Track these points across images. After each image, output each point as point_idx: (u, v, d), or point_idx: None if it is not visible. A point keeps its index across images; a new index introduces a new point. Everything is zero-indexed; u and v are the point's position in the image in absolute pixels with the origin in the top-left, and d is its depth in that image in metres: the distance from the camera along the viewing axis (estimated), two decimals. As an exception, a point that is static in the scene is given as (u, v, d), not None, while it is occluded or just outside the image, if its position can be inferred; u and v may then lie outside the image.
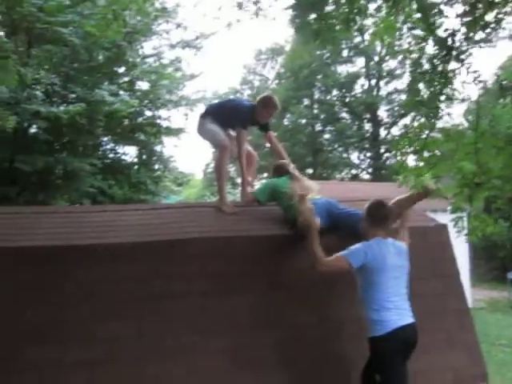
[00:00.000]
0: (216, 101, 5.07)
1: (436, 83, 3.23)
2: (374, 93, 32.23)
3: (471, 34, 3.23)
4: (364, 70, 32.66)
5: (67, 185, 12.00)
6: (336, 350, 3.78)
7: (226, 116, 4.85)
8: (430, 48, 3.84)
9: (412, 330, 3.39)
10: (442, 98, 3.34)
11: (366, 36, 29.82)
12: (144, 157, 14.30)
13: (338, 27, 4.81)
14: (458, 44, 3.29)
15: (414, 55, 3.57)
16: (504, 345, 9.76)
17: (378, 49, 31.66)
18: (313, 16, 4.79)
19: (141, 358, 3.43)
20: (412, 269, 3.66)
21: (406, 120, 31.40)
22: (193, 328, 3.59)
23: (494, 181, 3.22)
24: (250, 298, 3.78)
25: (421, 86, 3.62)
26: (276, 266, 3.91)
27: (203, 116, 4.98)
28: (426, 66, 3.54)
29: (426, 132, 3.73)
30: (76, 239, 3.78)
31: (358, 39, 30.83)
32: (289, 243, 3.98)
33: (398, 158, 3.48)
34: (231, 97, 28.18)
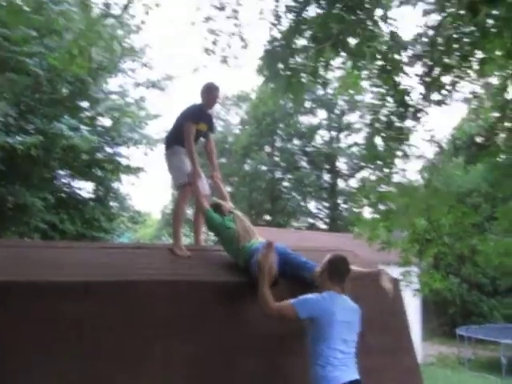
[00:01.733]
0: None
1: (392, 139, 3.30)
2: (334, 144, 32.96)
3: (428, 94, 3.34)
4: (325, 121, 33.46)
5: (18, 218, 11.61)
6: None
7: (180, 128, 4.74)
8: (389, 105, 3.94)
9: None
10: (399, 153, 3.42)
11: (329, 89, 30.80)
12: (100, 193, 14.02)
13: (304, 79, 4.92)
14: (415, 103, 3.39)
15: (373, 111, 3.65)
16: (451, 402, 9.76)
17: (340, 102, 32.61)
18: (281, 66, 4.88)
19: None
20: (363, 322, 3.62)
21: (364, 173, 32.20)
22: (134, 375, 3.43)
23: (444, 238, 3.27)
24: (196, 345, 3.65)
25: (379, 140, 3.70)
26: (225, 313, 3.81)
27: (167, 146, 4.90)
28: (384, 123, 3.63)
29: (382, 186, 3.80)
30: (17, 275, 3.60)
31: (320, 92, 31.72)
32: (240, 291, 3.90)
33: (355, 209, 3.51)
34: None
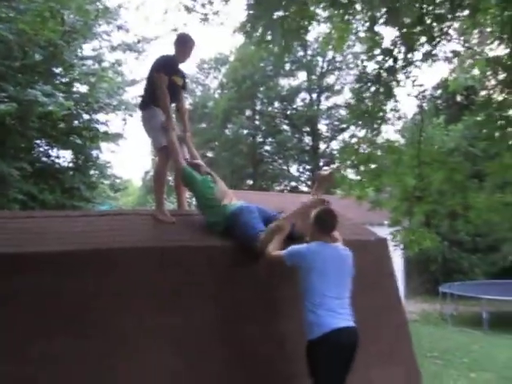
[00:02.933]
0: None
1: (381, 94, 3.18)
2: (315, 107, 32.75)
3: (417, 46, 3.21)
4: (305, 83, 33.14)
5: (-5, 189, 11.33)
6: (278, 367, 3.64)
7: (153, 87, 4.48)
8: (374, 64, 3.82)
9: (347, 334, 3.31)
10: (386, 108, 3.31)
11: (309, 51, 30.43)
12: (79, 162, 13.71)
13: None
14: (403, 56, 3.26)
15: (360, 65, 3.52)
16: (436, 357, 9.93)
17: (320, 63, 32.30)
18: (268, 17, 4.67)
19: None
20: (352, 283, 3.58)
21: (346, 135, 32.16)
22: (128, 341, 3.35)
23: (434, 195, 3.21)
24: (185, 312, 3.58)
25: (365, 97, 3.59)
26: (211, 278, 3.73)
27: (144, 106, 4.66)
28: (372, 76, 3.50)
29: (367, 145, 3.70)
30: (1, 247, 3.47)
31: (300, 53, 31.33)
32: (225, 255, 3.82)
33: (340, 170, 3.42)
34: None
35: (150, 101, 4.60)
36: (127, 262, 3.55)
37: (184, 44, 4.64)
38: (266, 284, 3.82)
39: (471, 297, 15.41)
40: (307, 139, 34.02)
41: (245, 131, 33.92)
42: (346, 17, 4.31)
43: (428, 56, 3.46)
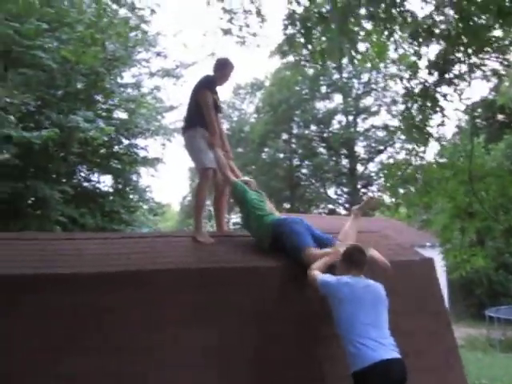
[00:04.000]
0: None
1: (428, 108, 3.09)
2: (352, 129, 32.58)
3: (463, 59, 3.11)
4: (342, 106, 33.06)
5: (37, 213, 11.59)
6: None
7: (198, 106, 4.53)
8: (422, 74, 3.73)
9: (396, 366, 3.17)
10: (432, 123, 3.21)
11: (344, 73, 30.43)
12: (119, 186, 13.93)
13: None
14: (449, 68, 3.16)
15: (405, 80, 3.43)
16: (484, 385, 9.52)
17: (356, 85, 32.24)
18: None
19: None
20: (398, 304, 3.46)
21: (383, 156, 31.85)
22: (166, 361, 3.29)
23: (488, 211, 3.05)
24: (224, 332, 3.50)
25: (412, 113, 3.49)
26: (252, 299, 3.65)
27: (190, 126, 4.64)
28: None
29: (414, 160, 3.59)
30: (40, 268, 3.48)
31: (336, 76, 31.36)
32: (263, 277, 3.74)
33: (388, 184, 3.32)
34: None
35: (192, 122, 4.61)
36: (166, 283, 3.51)
37: (224, 68, 4.69)
38: (304, 310, 3.71)
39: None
40: (344, 161, 33.81)
41: (281, 155, 33.97)
42: (386, 32, 4.25)
43: (474, 68, 3.35)
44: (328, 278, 3.47)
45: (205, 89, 4.52)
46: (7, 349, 3.07)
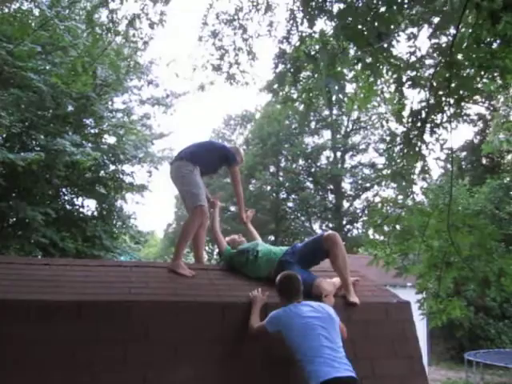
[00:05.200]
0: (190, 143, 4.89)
1: (410, 156, 3.14)
2: (339, 165, 32.86)
3: (445, 107, 3.18)
4: (330, 142, 33.40)
5: (18, 234, 11.48)
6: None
7: (211, 159, 4.85)
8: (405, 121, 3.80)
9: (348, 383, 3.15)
10: (416, 171, 3.26)
11: (334, 110, 30.86)
12: (103, 211, 13.83)
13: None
14: (431, 118, 3.23)
15: (385, 125, 3.48)
16: (460, 431, 9.42)
17: (345, 123, 32.67)
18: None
19: None
20: (372, 347, 3.44)
21: (369, 194, 32.11)
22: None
23: (465, 261, 3.07)
24: (198, 369, 3.44)
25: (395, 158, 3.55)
26: (226, 335, 3.60)
27: (191, 161, 4.67)
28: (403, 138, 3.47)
29: (394, 207, 3.62)
30: (11, 293, 3.43)
31: (325, 112, 31.79)
32: (242, 312, 3.70)
33: (370, 232, 3.33)
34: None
35: (195, 160, 4.70)
36: (142, 314, 3.47)
37: (240, 155, 5.11)
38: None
39: (498, 366, 14.76)
40: (331, 197, 33.98)
41: (268, 187, 34.07)
42: (371, 79, 4.34)
43: (456, 117, 3.43)
44: (273, 314, 3.49)
45: (237, 165, 4.94)
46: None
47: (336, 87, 4.08)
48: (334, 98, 4.62)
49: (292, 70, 4.95)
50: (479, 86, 3.62)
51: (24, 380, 3.07)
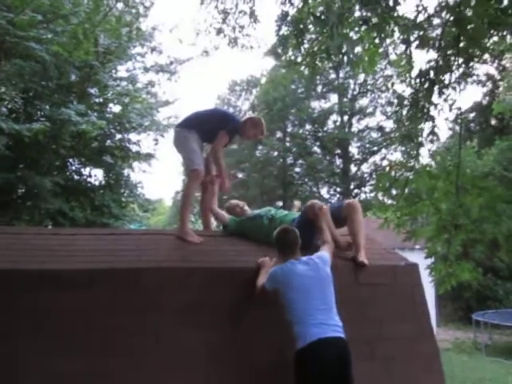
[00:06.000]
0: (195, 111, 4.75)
1: (418, 118, 3.08)
2: (346, 129, 32.57)
3: (454, 67, 3.11)
4: (337, 106, 33.04)
5: (28, 204, 11.56)
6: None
7: (212, 126, 4.63)
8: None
9: (334, 344, 3.19)
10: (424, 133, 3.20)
11: (341, 73, 30.45)
12: (111, 180, 13.88)
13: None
14: (439, 78, 3.15)
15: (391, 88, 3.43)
16: (469, 388, 9.59)
17: (351, 86, 32.26)
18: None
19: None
20: (380, 310, 3.46)
21: (377, 157, 31.93)
22: (147, 363, 3.28)
23: (474, 223, 3.04)
24: (208, 333, 3.49)
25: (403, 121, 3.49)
26: (236, 300, 3.64)
27: (187, 127, 4.67)
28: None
29: (403, 170, 3.58)
30: (22, 263, 3.46)
31: (332, 75, 31.36)
32: (250, 277, 3.73)
33: (379, 195, 3.31)
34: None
35: (191, 125, 4.66)
36: (151, 281, 3.50)
37: (254, 127, 4.81)
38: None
39: (506, 326, 14.88)
40: (338, 161, 33.81)
41: (275, 153, 33.92)
42: (377, 40, 4.25)
43: (465, 77, 3.35)
44: (271, 271, 3.49)
45: (227, 132, 4.62)
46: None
47: (350, 46, 4.02)
48: (345, 57, 4.55)
49: (295, 32, 4.86)
50: (488, 44, 3.54)
51: (38, 349, 3.13)
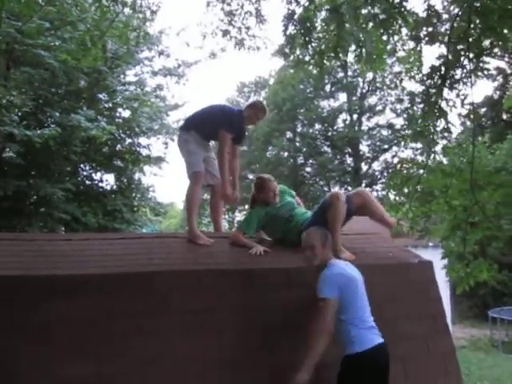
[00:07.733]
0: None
1: (431, 114, 3.04)
2: (356, 128, 32.44)
3: (465, 62, 3.06)
4: (346, 105, 32.91)
5: (40, 211, 11.63)
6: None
7: (210, 124, 4.59)
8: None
9: (385, 351, 3.24)
10: (438, 129, 3.16)
11: (349, 72, 30.35)
12: (122, 185, 13.93)
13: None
14: (450, 73, 3.11)
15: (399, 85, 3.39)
16: (486, 386, 9.47)
17: (360, 84, 32.14)
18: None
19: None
20: (396, 308, 3.43)
21: (388, 155, 31.75)
22: (159, 368, 3.27)
23: (490, 220, 2.99)
24: (219, 336, 3.47)
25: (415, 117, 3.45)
26: (247, 302, 3.61)
27: (186, 129, 4.68)
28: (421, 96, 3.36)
29: (415, 168, 3.54)
30: (35, 269, 3.47)
31: (340, 74, 31.27)
32: (261, 279, 3.71)
33: (391, 196, 3.28)
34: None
35: (190, 125, 4.66)
36: (163, 285, 3.49)
37: (255, 110, 4.75)
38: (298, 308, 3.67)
39: (524, 322, 14.73)
40: (349, 160, 33.68)
41: (286, 153, 33.88)
42: (385, 37, 4.21)
43: (476, 71, 3.29)
44: (324, 280, 3.29)
45: (227, 130, 4.53)
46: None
47: (369, 39, 3.99)
48: (357, 52, 4.51)
49: (302, 31, 4.83)
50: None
51: (52, 355, 3.12)
